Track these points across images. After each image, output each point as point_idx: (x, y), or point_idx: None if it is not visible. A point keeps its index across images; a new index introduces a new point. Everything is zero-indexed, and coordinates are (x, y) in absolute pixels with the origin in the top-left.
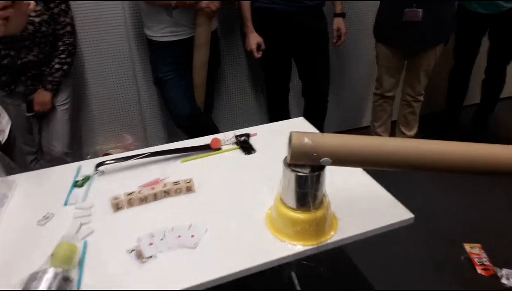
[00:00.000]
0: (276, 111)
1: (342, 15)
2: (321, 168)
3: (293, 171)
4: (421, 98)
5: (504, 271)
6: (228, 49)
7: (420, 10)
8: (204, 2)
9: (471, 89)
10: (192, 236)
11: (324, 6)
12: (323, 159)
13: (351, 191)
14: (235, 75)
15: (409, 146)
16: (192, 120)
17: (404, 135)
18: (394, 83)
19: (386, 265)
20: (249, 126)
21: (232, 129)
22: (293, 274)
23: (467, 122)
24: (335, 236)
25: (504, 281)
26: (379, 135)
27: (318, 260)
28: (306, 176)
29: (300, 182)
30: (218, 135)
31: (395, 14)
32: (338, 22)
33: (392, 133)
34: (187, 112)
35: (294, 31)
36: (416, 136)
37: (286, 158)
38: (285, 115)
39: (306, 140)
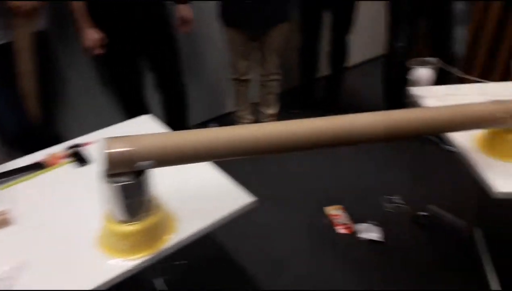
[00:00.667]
0: (132, 111)
1: (184, 1)
2: (143, 172)
3: (111, 181)
4: (276, 77)
5: (363, 225)
6: (65, 50)
7: None
8: (13, 2)
9: (323, 61)
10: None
11: None
12: (142, 163)
13: (190, 185)
14: (79, 77)
15: (236, 134)
16: (21, 136)
17: (265, 115)
18: (248, 66)
19: (259, 238)
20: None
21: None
22: (162, 280)
23: (323, 93)
24: (174, 239)
25: (363, 235)
26: (244, 119)
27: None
28: (126, 184)
29: (122, 192)
30: (52, 149)
31: None
32: (180, 9)
33: (256, 115)
34: (13, 127)
35: (135, 22)
36: (278, 115)
37: (103, 169)
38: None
39: (120, 145)
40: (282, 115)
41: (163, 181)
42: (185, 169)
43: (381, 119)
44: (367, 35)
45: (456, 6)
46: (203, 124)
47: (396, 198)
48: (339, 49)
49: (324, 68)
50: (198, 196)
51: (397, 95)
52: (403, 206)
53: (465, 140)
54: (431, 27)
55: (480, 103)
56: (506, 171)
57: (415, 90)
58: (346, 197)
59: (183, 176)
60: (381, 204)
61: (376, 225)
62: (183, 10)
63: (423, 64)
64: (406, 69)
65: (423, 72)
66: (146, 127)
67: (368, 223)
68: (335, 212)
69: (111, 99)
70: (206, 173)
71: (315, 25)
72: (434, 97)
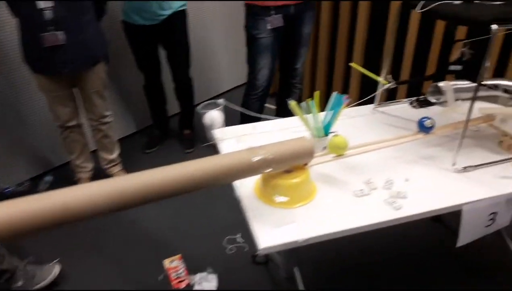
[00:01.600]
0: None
1: None
2: None
3: None
4: (107, 119)
5: (198, 276)
6: None
7: (61, 32)
8: None
9: (172, 98)
10: None
11: None
12: None
13: None
14: None
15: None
16: None
17: (105, 160)
18: (71, 111)
19: None
20: None
21: None
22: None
23: (177, 130)
24: None
25: (196, 287)
26: (81, 168)
27: None
28: None
29: None
30: None
31: (36, 41)
32: None
33: (97, 161)
34: None
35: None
36: (120, 158)
37: None
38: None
39: None
40: (137, 157)
41: None
42: None
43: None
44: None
45: (305, 30)
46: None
47: (238, 238)
48: (182, 84)
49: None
50: None
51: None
52: (243, 245)
53: (246, 186)
54: (284, 52)
55: (237, 152)
56: (274, 220)
57: (214, 133)
58: (187, 244)
59: None
60: (223, 246)
61: (213, 272)
62: None
63: (212, 107)
64: (265, 99)
65: (214, 115)
66: None
67: (206, 272)
68: (173, 264)
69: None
70: None
71: (153, 61)
72: (233, 138)
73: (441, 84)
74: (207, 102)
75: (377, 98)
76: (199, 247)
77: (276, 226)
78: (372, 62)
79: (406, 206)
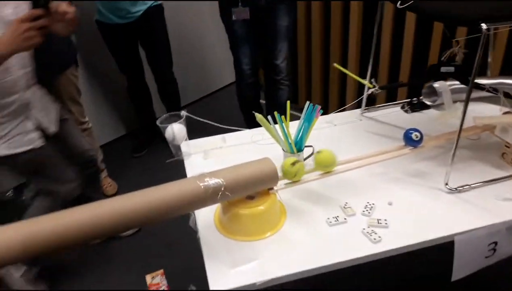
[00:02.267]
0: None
1: None
2: None
3: None
4: (85, 126)
5: None
6: None
7: None
8: None
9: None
10: None
11: None
12: None
13: None
14: None
15: None
16: None
17: None
18: None
19: None
20: None
21: None
22: None
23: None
24: None
25: None
26: None
27: None
28: None
29: None
30: None
31: None
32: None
33: None
34: None
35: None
36: (104, 164)
37: None
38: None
39: None
40: (125, 162)
41: None
42: None
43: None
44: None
45: (280, 23)
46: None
47: None
48: (165, 84)
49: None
50: None
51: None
52: None
53: (205, 214)
54: (263, 46)
55: (185, 181)
56: (232, 257)
57: (178, 148)
58: (171, 260)
59: None
60: None
61: (195, 290)
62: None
63: (174, 119)
64: (256, 87)
65: (176, 129)
66: None
67: (189, 289)
68: (155, 280)
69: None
70: None
71: (133, 61)
72: (201, 152)
73: (436, 84)
74: (167, 115)
75: (363, 103)
76: (183, 263)
77: (233, 265)
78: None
79: (386, 238)
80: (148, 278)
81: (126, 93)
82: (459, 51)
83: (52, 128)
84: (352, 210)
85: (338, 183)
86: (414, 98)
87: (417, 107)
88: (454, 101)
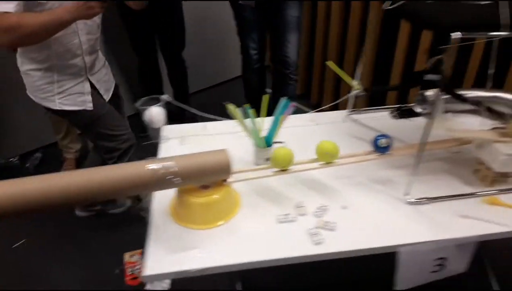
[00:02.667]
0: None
1: None
2: None
3: None
4: None
5: None
6: None
7: None
8: None
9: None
10: None
11: None
12: None
13: None
14: None
15: None
16: None
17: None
18: None
19: None
20: None
21: None
22: None
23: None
24: None
25: (148, 287)
26: (68, 148)
27: None
28: None
29: None
30: None
31: None
32: None
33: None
34: None
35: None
36: None
37: None
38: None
39: None
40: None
41: None
42: None
43: None
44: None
45: (290, 13)
46: None
47: None
48: (175, 67)
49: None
50: None
51: (257, 97)
52: None
53: (163, 198)
54: (270, 33)
55: (137, 163)
56: (176, 243)
57: (158, 131)
58: None
59: None
60: None
61: None
62: None
63: (154, 102)
64: (262, 73)
65: (155, 111)
66: None
67: None
68: (133, 258)
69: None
70: None
71: (147, 41)
72: (179, 138)
73: (428, 92)
74: (147, 98)
75: (350, 104)
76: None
77: (174, 251)
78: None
79: (328, 241)
80: (127, 256)
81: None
82: (442, 59)
83: (106, 96)
84: (305, 209)
85: (299, 181)
86: (404, 105)
87: (406, 114)
88: (446, 112)
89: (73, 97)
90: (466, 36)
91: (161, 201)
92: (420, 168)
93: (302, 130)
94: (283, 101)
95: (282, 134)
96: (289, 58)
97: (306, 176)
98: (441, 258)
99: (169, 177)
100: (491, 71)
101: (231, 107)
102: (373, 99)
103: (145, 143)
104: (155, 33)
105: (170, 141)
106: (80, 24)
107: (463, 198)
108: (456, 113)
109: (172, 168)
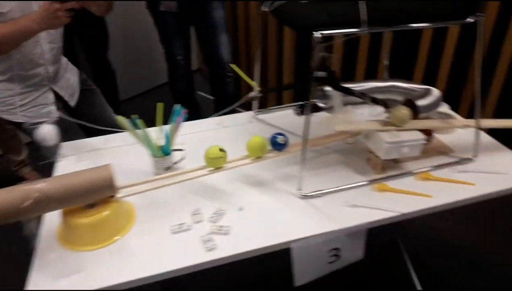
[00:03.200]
0: None
1: None
2: None
3: None
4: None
5: None
6: None
7: None
8: None
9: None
10: None
11: None
12: None
13: None
14: None
15: None
16: None
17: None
18: None
19: None
20: None
21: None
22: None
23: None
24: None
25: None
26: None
27: None
28: None
29: None
30: None
31: None
32: None
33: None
34: None
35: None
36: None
37: None
38: None
39: None
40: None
41: None
42: None
43: None
44: None
45: (215, 14)
46: None
47: None
48: (100, 70)
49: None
50: None
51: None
52: None
53: (50, 226)
54: (199, 36)
55: (10, 188)
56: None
57: (54, 149)
58: None
59: None
60: None
61: None
62: None
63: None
64: (190, 79)
65: (46, 129)
66: None
67: None
68: None
69: None
70: None
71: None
72: (76, 154)
73: (327, 87)
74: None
75: (254, 105)
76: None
77: (58, 277)
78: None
79: (221, 246)
80: None
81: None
82: (329, 56)
83: (72, 102)
84: (201, 216)
85: (197, 187)
86: (306, 101)
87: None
88: (346, 104)
89: (37, 109)
90: (326, 34)
91: (51, 224)
92: (317, 161)
93: (210, 134)
94: (176, 108)
95: (188, 140)
96: (224, 59)
97: (201, 182)
98: (335, 249)
99: (41, 200)
100: (386, 62)
101: (120, 119)
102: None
103: (40, 164)
104: (74, 36)
105: (67, 159)
106: (43, 33)
107: (355, 188)
108: (357, 105)
109: (44, 190)
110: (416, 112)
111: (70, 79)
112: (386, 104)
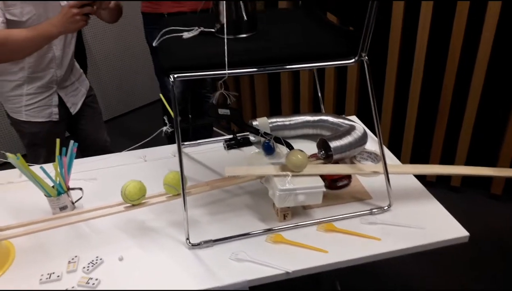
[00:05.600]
0: None
1: None
2: None
3: None
4: None
5: None
6: None
7: None
8: None
9: None
10: None
11: None
12: None
13: None
14: None
15: None
16: None
17: None
18: None
19: None
20: None
21: None
22: None
23: None
24: None
25: None
26: None
27: None
28: None
29: None
30: None
31: None
32: None
33: None
34: None
35: None
36: None
37: None
38: None
39: None
40: None
41: None
42: None
43: None
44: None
45: None
46: None
47: None
48: None
49: None
50: None
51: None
52: None
53: None
54: None
55: None
56: None
57: None
58: None
59: None
60: None
61: None
62: None
63: None
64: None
65: None
66: None
67: None
68: None
69: None
70: None
71: None
72: None
73: (256, 121)
74: None
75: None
76: None
77: None
78: None
79: None
80: None
81: None
82: (229, 94)
83: (73, 109)
84: (76, 264)
85: (87, 230)
86: (237, 135)
87: (235, 144)
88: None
89: (40, 109)
90: (180, 77)
91: None
92: (225, 204)
93: (127, 169)
94: (70, 144)
95: (98, 175)
96: (207, 80)
97: (100, 223)
98: None
99: None
100: (320, 94)
101: (11, 156)
102: None
103: None
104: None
105: None
106: (57, 39)
107: (251, 237)
108: (293, 139)
109: None
110: (328, 154)
111: (78, 89)
112: (289, 145)
